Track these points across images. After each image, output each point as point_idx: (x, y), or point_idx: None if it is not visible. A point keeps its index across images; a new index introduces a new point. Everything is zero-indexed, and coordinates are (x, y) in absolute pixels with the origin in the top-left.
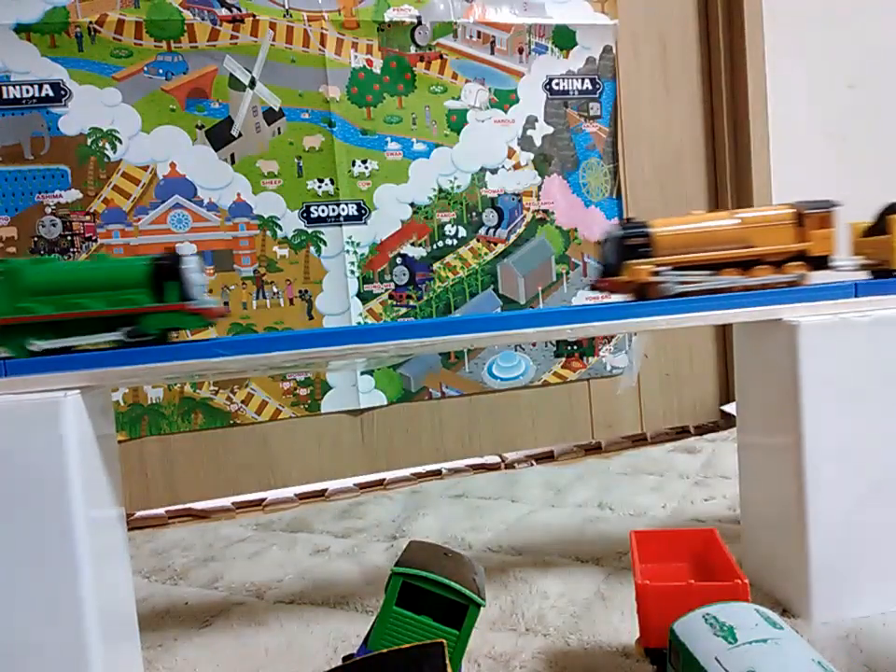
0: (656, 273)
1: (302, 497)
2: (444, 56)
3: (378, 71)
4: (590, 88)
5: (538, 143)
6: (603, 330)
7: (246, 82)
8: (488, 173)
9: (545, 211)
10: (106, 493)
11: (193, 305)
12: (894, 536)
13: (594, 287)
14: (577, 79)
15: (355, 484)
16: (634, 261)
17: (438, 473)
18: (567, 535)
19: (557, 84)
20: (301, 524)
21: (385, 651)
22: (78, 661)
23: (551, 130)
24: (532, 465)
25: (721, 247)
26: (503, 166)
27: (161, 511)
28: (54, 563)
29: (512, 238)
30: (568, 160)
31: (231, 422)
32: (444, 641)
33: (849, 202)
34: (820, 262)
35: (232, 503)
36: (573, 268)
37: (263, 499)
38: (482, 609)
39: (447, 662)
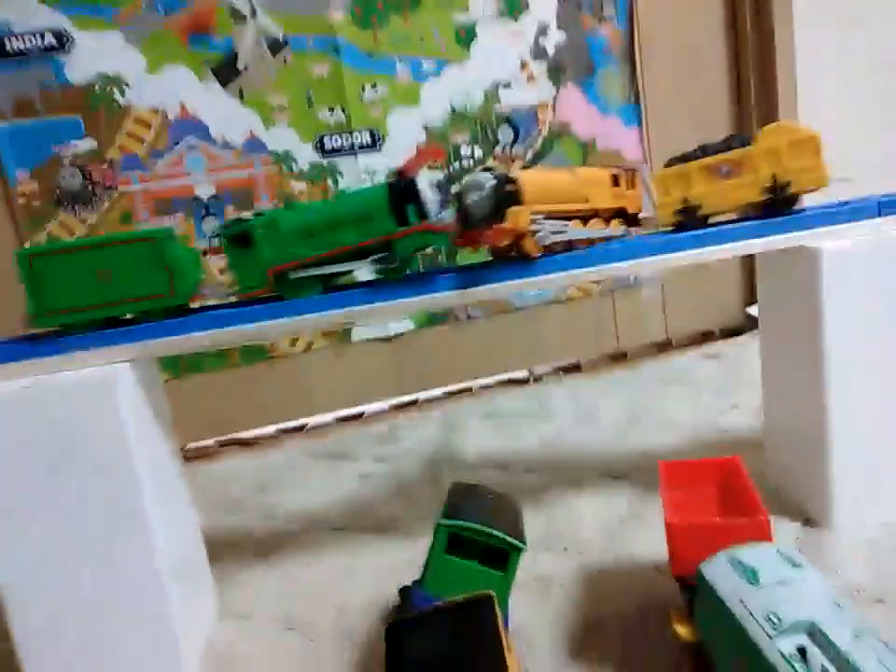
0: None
1: (341, 420)
2: None
3: None
4: None
5: (551, 52)
6: (633, 270)
7: (247, 12)
8: (501, 87)
9: (561, 123)
10: (162, 445)
11: (437, 223)
12: None
13: (457, 244)
14: None
15: (390, 406)
16: (514, 208)
17: (469, 391)
18: (598, 452)
19: None
20: (343, 450)
21: (440, 604)
22: (157, 601)
23: (564, 37)
24: (560, 377)
25: (568, 201)
26: (516, 80)
27: (211, 441)
28: (123, 515)
29: (530, 154)
30: (584, 67)
31: (268, 355)
32: (493, 593)
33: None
34: (633, 219)
35: (276, 430)
36: None
37: (305, 425)
38: (523, 551)
39: (496, 609)
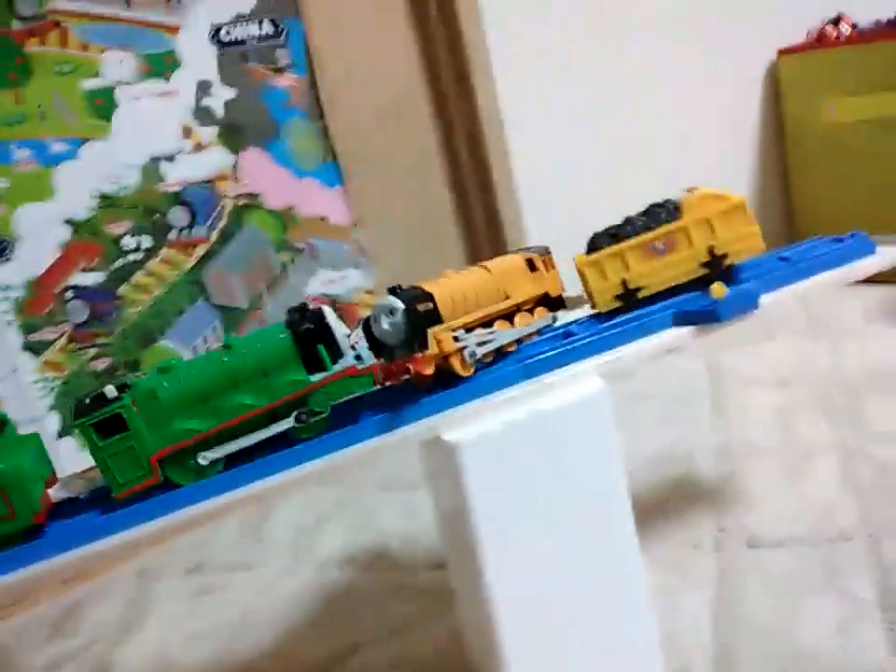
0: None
1: None
2: (63, 23)
3: None
4: (271, 31)
5: (220, 112)
6: None
7: None
8: (163, 161)
9: (249, 194)
10: None
11: (360, 366)
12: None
13: (385, 380)
14: (252, 23)
15: None
16: (435, 329)
17: None
18: None
19: (228, 33)
20: None
21: None
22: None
23: (233, 93)
24: None
25: (488, 303)
26: (181, 150)
27: None
28: None
29: (215, 235)
30: (264, 126)
31: None
32: None
33: None
34: (558, 303)
35: None
36: (298, 253)
37: None
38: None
39: None
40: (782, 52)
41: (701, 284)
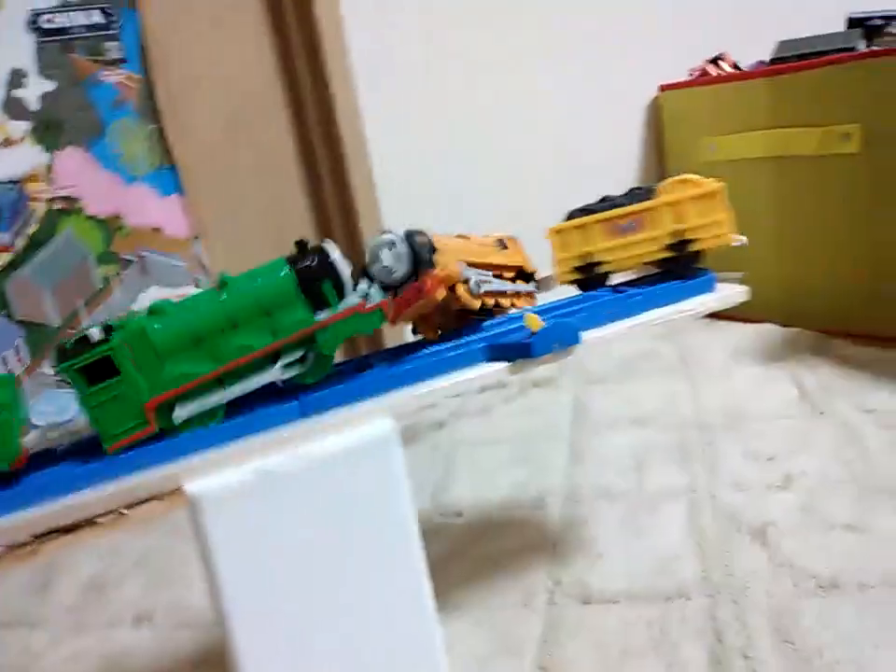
0: None
1: None
2: None
3: None
4: (101, 21)
5: (35, 106)
6: None
7: None
8: None
9: (65, 198)
10: None
11: (368, 302)
12: None
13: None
14: (78, 11)
15: None
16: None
17: None
18: None
19: (49, 21)
20: None
21: None
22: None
23: (52, 86)
24: None
25: (475, 257)
26: None
27: None
28: None
29: (22, 242)
30: (88, 124)
31: None
32: None
33: None
34: (531, 277)
35: None
36: (125, 266)
37: None
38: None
39: None
40: (664, 87)
41: (668, 264)
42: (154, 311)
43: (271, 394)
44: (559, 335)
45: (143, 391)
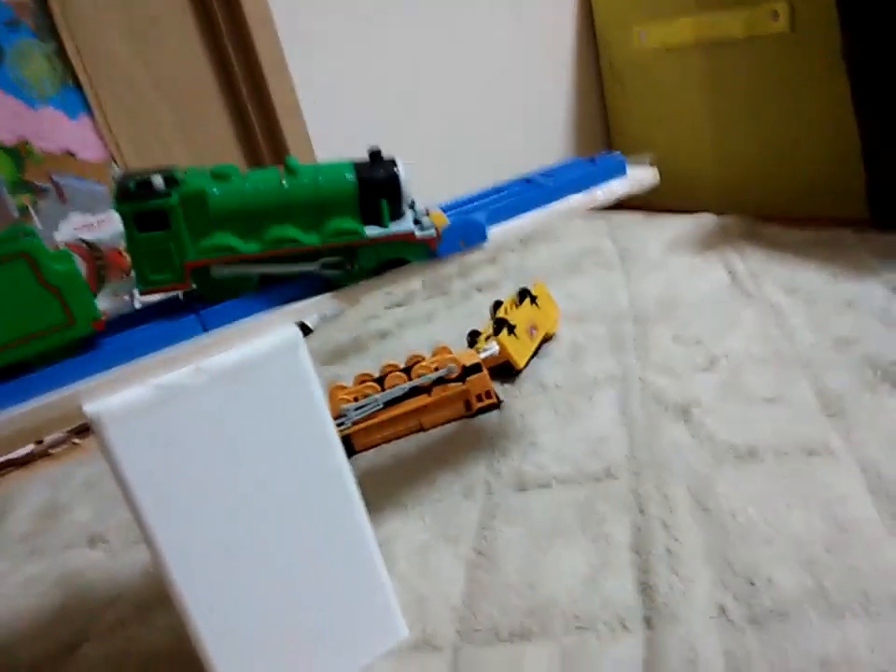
0: None
1: None
2: None
3: None
4: None
5: None
6: None
7: None
8: None
9: None
10: None
11: (420, 232)
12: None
13: None
14: None
15: None
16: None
17: None
18: None
19: None
20: None
21: None
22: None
23: None
24: None
25: None
26: None
27: None
28: None
29: None
30: None
31: None
32: None
33: None
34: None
35: None
36: (41, 195)
37: None
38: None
39: None
40: None
41: None
42: (218, 175)
43: (169, 310)
44: (464, 232)
45: (188, 251)
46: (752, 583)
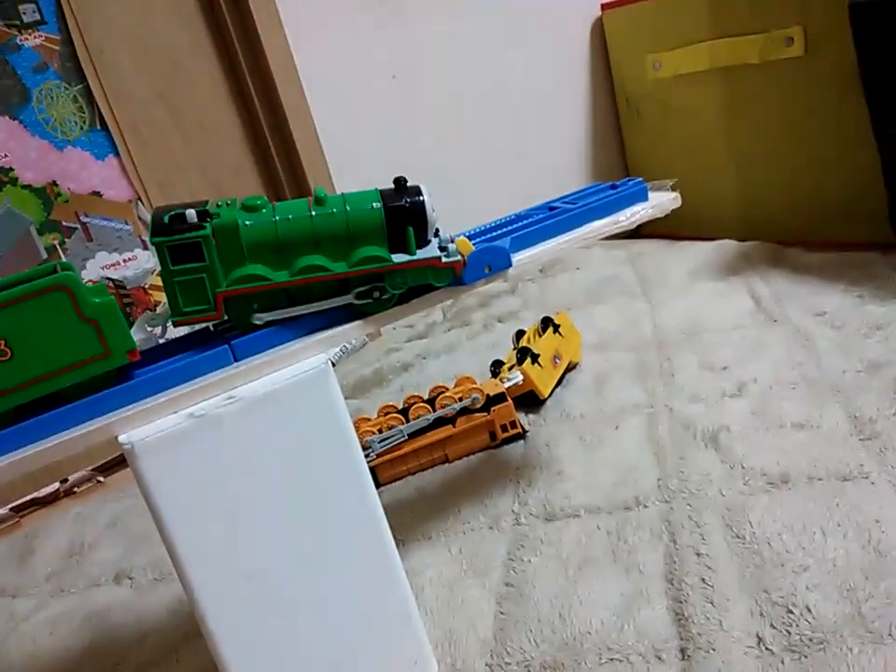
0: None
1: None
2: None
3: None
4: None
5: None
6: None
7: None
8: None
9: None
10: None
11: (446, 258)
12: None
13: None
14: None
15: None
16: None
17: None
18: None
19: None
20: None
21: None
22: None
23: None
24: None
25: None
26: None
27: None
28: None
29: None
30: (12, 91)
31: None
32: None
33: None
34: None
35: None
36: (68, 234)
37: None
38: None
39: None
40: (605, 6)
41: None
42: (249, 207)
43: (200, 341)
44: (490, 258)
45: (220, 281)
46: (790, 611)
